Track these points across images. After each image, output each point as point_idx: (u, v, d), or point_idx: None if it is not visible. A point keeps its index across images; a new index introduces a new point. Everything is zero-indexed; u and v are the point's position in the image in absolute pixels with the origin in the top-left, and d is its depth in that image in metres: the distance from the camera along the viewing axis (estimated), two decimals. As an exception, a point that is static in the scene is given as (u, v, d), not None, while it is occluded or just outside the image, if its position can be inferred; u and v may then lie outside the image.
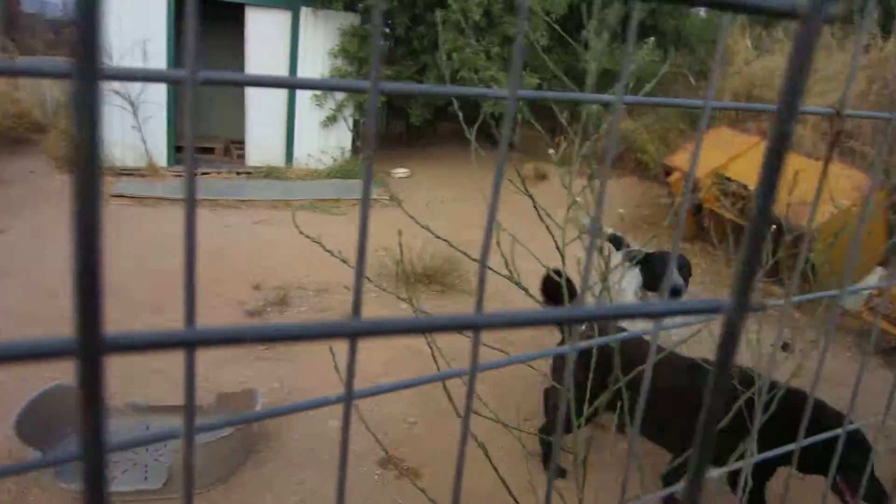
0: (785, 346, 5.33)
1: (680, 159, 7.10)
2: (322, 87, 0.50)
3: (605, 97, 0.73)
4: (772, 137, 0.23)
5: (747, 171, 6.32)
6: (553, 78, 8.76)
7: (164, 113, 8.53)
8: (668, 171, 7.27)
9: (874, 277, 5.95)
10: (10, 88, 9.56)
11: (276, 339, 0.26)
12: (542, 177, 9.45)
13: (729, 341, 0.25)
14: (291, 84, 0.50)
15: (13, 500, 2.86)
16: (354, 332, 0.27)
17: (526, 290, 1.70)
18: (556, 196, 2.44)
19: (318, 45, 9.09)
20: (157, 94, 8.39)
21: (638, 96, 0.90)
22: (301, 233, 1.53)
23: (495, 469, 1.42)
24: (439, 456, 3.39)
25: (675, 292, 3.76)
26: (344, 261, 1.27)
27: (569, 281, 3.63)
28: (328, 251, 1.28)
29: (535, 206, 1.12)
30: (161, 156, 8.69)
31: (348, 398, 0.37)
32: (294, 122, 9.24)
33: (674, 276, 3.71)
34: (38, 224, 6.42)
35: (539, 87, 8.62)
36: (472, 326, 0.26)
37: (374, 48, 0.34)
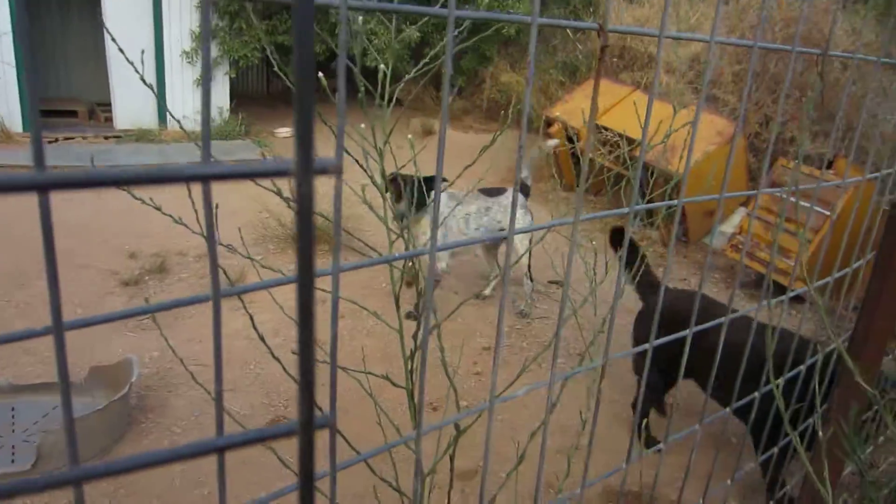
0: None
1: (560, 110, 7.29)
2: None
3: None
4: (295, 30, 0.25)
5: (623, 121, 6.57)
6: (433, 31, 8.72)
7: (13, 72, 7.78)
8: (549, 123, 7.46)
9: (737, 217, 6.42)
10: None
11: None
12: (428, 132, 9.47)
13: (304, 203, 0.25)
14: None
15: None
16: (43, 183, 0.25)
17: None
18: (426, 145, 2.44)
19: (185, -2, 8.54)
20: (4, 52, 7.63)
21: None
22: (136, 198, 1.45)
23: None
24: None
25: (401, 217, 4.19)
26: (177, 221, 1.22)
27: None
28: (169, 216, 1.22)
29: (324, 122, 1.10)
30: (14, 120, 7.96)
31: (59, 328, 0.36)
32: (165, 82, 8.70)
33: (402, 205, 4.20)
34: None
35: (422, 39, 8.56)
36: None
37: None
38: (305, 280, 0.26)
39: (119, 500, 2.72)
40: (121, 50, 1.37)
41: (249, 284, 0.63)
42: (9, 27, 7.63)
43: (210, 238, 0.40)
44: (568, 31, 9.57)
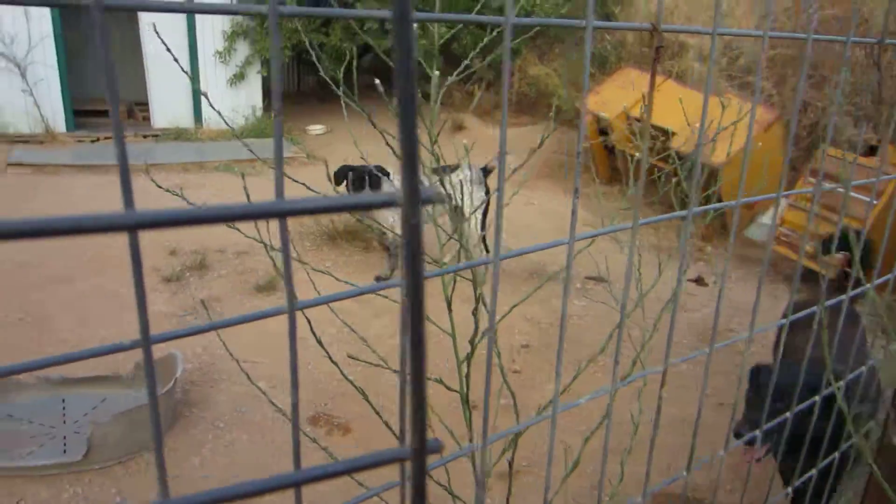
0: (699, 280, 5.61)
1: (591, 102, 7.21)
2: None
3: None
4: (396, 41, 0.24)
5: (655, 111, 6.47)
6: (461, 27, 8.69)
7: (56, 75, 7.98)
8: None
9: (779, 208, 6.27)
10: None
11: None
12: (459, 127, 9.45)
13: (413, 234, 0.25)
14: None
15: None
16: (133, 224, 0.26)
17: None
18: (475, 145, 2.43)
19: (219, -3, 8.65)
20: (46, 55, 7.83)
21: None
22: (167, 191, 1.48)
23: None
24: (369, 412, 3.42)
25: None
26: (216, 221, 1.23)
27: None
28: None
29: (371, 122, 1.11)
30: (59, 121, 8.17)
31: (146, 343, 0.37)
32: (199, 81, 8.84)
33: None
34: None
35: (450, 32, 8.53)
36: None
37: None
38: (416, 307, 0.26)
39: None
40: (169, 50, 1.39)
41: (334, 294, 0.64)
42: (50, 31, 7.82)
43: (287, 268, 0.41)
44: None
